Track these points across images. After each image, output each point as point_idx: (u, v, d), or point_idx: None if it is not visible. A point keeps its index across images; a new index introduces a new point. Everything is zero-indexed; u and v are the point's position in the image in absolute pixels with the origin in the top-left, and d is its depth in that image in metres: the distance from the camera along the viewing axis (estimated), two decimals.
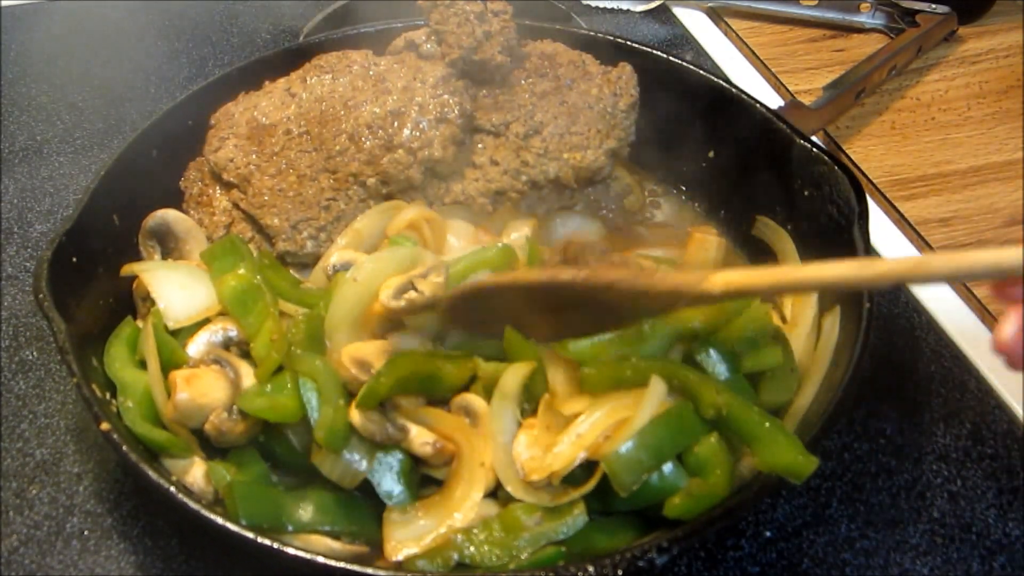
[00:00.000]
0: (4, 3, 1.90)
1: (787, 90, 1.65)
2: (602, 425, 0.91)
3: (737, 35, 1.79)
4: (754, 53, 1.75)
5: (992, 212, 1.38)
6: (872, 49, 1.68)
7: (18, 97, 1.68)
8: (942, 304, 1.27)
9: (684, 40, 1.80)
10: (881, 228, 1.38)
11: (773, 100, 1.62)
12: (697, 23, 1.84)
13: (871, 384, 1.16)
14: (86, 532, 1.03)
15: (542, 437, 0.92)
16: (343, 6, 1.81)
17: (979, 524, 1.03)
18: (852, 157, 1.49)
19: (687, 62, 1.33)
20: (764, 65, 1.72)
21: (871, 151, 1.50)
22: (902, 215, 1.39)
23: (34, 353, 1.22)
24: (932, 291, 1.29)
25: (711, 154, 1.33)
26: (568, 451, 0.90)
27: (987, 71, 1.65)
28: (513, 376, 0.94)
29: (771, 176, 1.23)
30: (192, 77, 1.73)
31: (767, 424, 0.90)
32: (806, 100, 1.61)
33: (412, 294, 0.97)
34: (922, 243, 1.35)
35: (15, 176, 1.51)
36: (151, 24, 1.88)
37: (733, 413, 0.90)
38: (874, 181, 1.44)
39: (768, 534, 1.02)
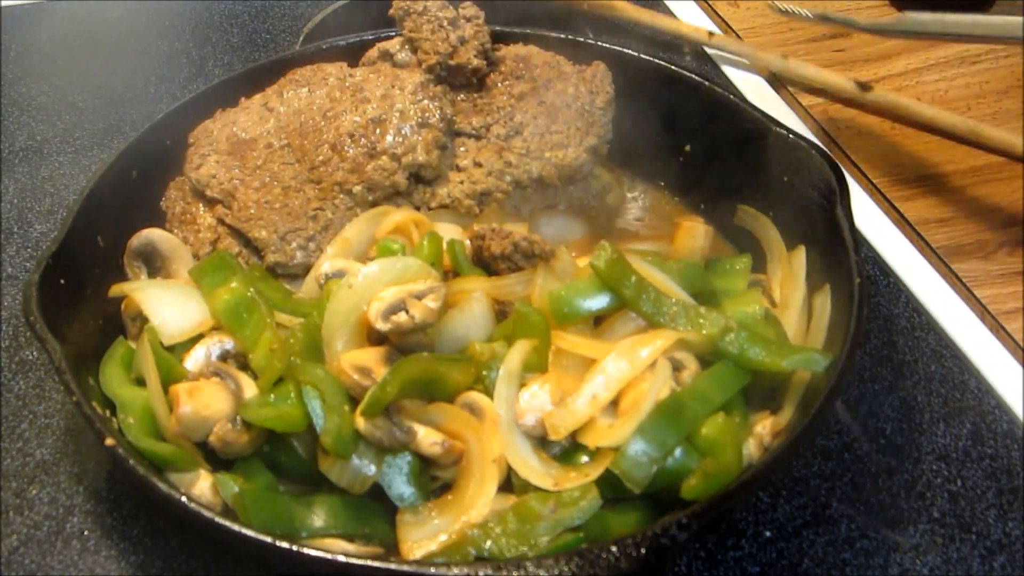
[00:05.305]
0: (4, 3, 1.90)
1: (788, 91, 1.65)
2: (615, 385, 0.93)
3: (737, 35, 1.78)
4: None
5: (992, 212, 1.37)
6: (872, 50, 1.68)
7: (18, 97, 1.68)
8: (942, 304, 1.27)
9: (683, 41, 1.80)
10: (881, 228, 1.38)
11: (777, 105, 1.63)
12: (696, 23, 1.84)
13: (871, 384, 1.16)
14: (86, 532, 1.03)
15: (560, 383, 0.95)
16: (343, 6, 1.81)
17: (979, 524, 1.03)
18: (852, 157, 1.49)
19: (658, 58, 1.34)
20: None
21: (871, 151, 1.50)
22: (902, 215, 1.39)
23: (34, 353, 1.22)
24: (932, 291, 1.29)
25: (687, 147, 1.34)
26: (586, 410, 0.92)
27: (987, 71, 1.65)
28: (517, 353, 0.96)
29: (749, 165, 1.23)
30: (192, 77, 1.73)
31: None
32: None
33: (402, 316, 0.95)
34: (922, 243, 1.35)
35: (15, 176, 1.51)
36: (151, 24, 1.88)
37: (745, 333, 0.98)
38: (874, 181, 1.44)
39: (768, 534, 1.02)
